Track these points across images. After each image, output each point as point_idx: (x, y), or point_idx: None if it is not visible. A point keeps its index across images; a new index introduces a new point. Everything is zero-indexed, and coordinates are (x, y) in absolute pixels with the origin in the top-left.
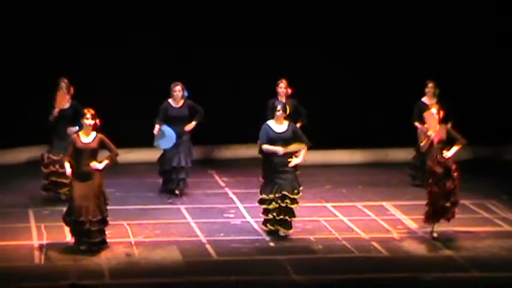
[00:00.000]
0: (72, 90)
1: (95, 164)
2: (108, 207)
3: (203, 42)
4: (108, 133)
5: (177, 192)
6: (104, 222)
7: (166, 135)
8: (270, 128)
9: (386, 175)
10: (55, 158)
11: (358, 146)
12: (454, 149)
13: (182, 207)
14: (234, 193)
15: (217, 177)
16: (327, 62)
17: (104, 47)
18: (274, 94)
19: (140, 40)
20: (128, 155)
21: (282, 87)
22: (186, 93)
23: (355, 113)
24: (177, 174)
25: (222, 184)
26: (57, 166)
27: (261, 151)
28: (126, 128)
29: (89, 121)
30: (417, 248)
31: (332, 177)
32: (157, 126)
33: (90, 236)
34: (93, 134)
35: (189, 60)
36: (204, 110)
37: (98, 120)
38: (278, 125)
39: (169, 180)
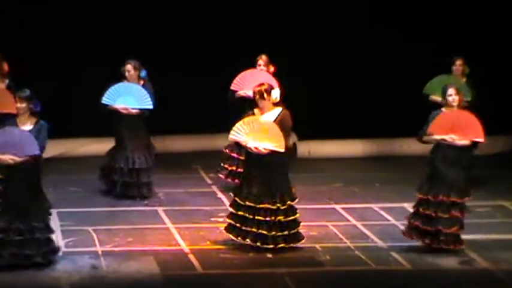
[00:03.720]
0: (6, 67)
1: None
2: (70, 210)
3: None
4: (66, 121)
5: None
6: (46, 230)
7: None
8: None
9: (408, 171)
10: None
11: (374, 135)
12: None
13: (160, 210)
14: (223, 192)
15: (202, 173)
16: (338, 42)
17: (62, 33)
18: None
19: (103, 27)
20: (89, 147)
21: (261, 64)
22: (143, 73)
23: (369, 98)
24: (135, 177)
25: (209, 181)
26: None
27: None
28: (86, 115)
29: (22, 104)
30: (446, 259)
31: (343, 173)
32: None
33: (23, 246)
34: (33, 120)
35: (166, 41)
36: (187, 94)
37: (34, 103)
38: (265, 114)
39: (109, 180)
